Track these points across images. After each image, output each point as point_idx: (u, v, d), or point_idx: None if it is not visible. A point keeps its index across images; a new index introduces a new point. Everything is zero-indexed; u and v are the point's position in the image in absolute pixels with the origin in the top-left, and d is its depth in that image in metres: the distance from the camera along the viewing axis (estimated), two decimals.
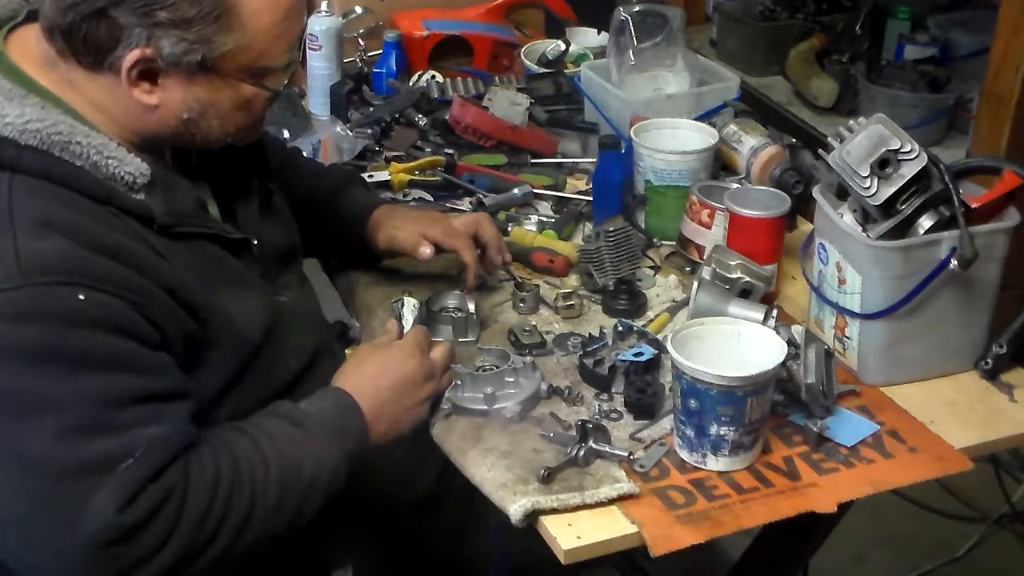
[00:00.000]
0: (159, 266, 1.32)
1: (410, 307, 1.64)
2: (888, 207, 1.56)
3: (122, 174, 1.32)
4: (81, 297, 1.22)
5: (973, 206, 1.59)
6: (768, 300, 1.75)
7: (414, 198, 2.09)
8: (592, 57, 2.54)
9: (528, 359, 1.60)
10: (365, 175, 2.11)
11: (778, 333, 1.52)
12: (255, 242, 1.50)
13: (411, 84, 2.44)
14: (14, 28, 1.38)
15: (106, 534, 1.20)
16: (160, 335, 1.30)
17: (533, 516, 1.38)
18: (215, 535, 1.28)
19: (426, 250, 1.72)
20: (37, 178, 1.27)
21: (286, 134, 2.20)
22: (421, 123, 2.29)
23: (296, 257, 1.67)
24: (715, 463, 1.46)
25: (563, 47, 2.52)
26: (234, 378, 1.41)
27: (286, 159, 1.85)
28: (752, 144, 1.97)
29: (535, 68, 2.50)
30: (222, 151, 1.52)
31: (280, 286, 1.56)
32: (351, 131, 2.26)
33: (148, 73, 1.32)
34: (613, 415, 1.56)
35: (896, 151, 1.54)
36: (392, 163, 2.14)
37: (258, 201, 1.56)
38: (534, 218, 2.02)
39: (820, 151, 1.65)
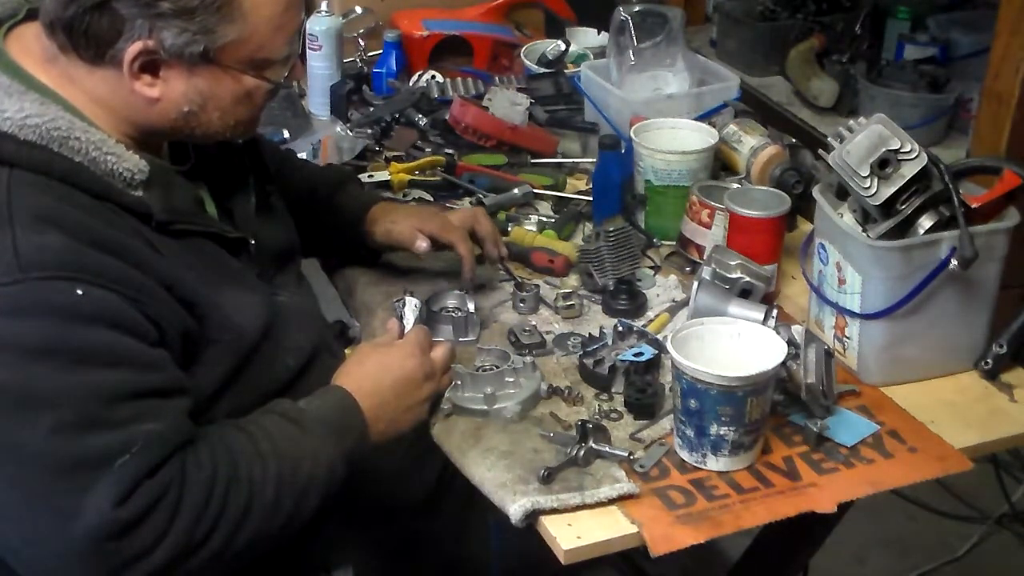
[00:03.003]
0: (157, 262, 1.32)
1: (411, 307, 1.64)
2: (888, 207, 1.56)
3: (120, 170, 1.32)
4: (79, 292, 1.22)
5: (973, 206, 1.59)
6: (768, 300, 1.75)
7: (414, 198, 2.09)
8: (592, 57, 2.54)
9: (528, 359, 1.60)
10: (365, 175, 2.11)
11: (778, 333, 1.52)
12: (252, 242, 1.51)
13: (411, 84, 2.44)
14: (14, 26, 1.38)
15: (102, 529, 1.20)
16: (158, 331, 1.30)
17: (533, 516, 1.38)
18: (211, 531, 1.28)
19: (422, 244, 1.73)
20: (36, 173, 1.27)
21: (286, 134, 2.20)
22: (421, 123, 2.29)
23: (294, 257, 1.67)
24: (715, 463, 1.46)
25: (563, 47, 2.52)
26: (232, 376, 1.41)
27: (284, 159, 1.86)
28: (752, 144, 1.97)
29: (535, 68, 2.50)
30: (220, 151, 1.52)
31: (277, 286, 1.56)
32: (351, 131, 2.26)
33: (150, 65, 1.32)
34: (613, 415, 1.56)
35: (896, 151, 1.54)
36: (392, 163, 2.14)
37: (255, 201, 1.57)
38: (534, 218, 2.02)
39: (820, 151, 1.65)
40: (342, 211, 1.82)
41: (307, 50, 2.38)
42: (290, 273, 1.64)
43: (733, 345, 1.50)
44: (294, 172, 1.83)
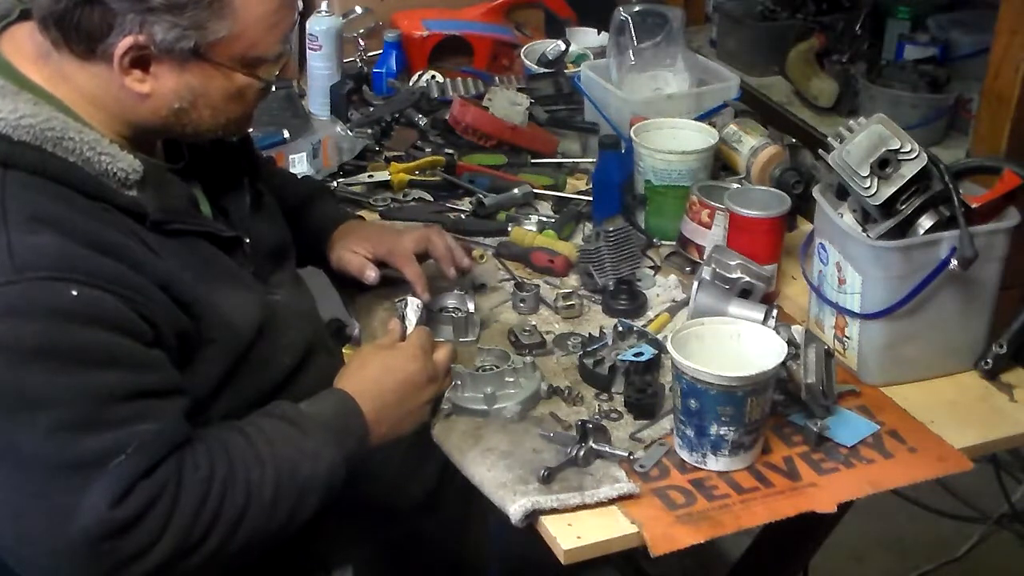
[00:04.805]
0: (152, 262, 1.32)
1: (413, 307, 1.64)
2: (888, 207, 1.56)
3: (114, 170, 1.32)
4: (74, 293, 1.22)
5: (973, 206, 1.59)
6: (768, 300, 1.75)
7: (414, 198, 2.10)
8: (592, 57, 2.54)
9: (528, 359, 1.60)
10: (365, 175, 2.12)
11: (778, 333, 1.52)
12: (247, 240, 1.51)
13: (411, 84, 2.44)
14: (6, 27, 1.38)
15: (98, 530, 1.20)
16: (153, 331, 1.29)
17: (533, 516, 1.38)
18: (208, 532, 1.28)
19: (371, 274, 1.73)
20: (30, 174, 1.27)
21: (286, 134, 2.20)
22: (421, 123, 2.29)
23: (288, 256, 1.66)
24: (715, 463, 1.46)
25: (563, 47, 2.52)
26: (228, 375, 1.41)
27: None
28: (752, 144, 1.97)
29: (535, 68, 2.50)
30: (214, 150, 1.52)
31: (273, 284, 1.56)
32: (351, 131, 2.26)
33: (140, 61, 1.32)
34: (613, 415, 1.56)
35: (896, 151, 1.54)
36: (392, 163, 2.14)
37: (249, 200, 1.57)
38: (534, 218, 2.02)
39: (820, 151, 1.65)
40: (309, 229, 1.80)
41: (307, 50, 2.39)
42: (286, 272, 1.63)
43: (733, 345, 1.50)
44: (268, 181, 1.81)
